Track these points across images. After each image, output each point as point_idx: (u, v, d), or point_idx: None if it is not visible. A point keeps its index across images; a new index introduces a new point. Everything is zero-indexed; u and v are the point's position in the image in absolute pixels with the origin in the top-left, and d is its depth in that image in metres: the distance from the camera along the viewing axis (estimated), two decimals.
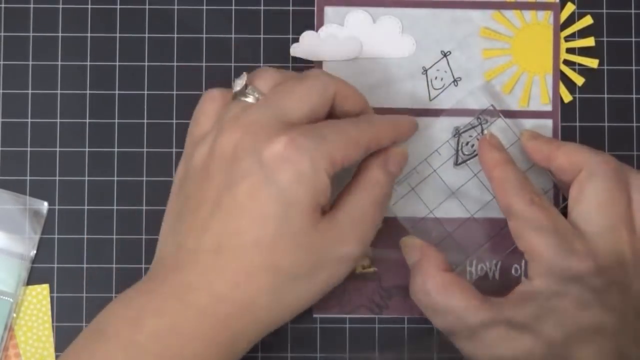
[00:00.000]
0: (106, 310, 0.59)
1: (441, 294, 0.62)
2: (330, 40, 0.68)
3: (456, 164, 0.67)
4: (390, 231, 0.66)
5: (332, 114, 0.62)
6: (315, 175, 0.58)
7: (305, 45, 0.68)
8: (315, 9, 0.68)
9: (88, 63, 0.68)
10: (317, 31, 0.68)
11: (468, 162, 0.67)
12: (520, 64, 0.68)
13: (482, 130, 0.67)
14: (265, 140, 0.58)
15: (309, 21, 0.68)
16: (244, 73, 0.62)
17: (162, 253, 0.61)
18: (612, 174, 0.62)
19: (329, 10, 0.68)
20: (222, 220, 0.58)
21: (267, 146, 0.58)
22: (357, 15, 0.68)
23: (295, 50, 0.68)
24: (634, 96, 0.69)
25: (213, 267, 0.57)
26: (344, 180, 0.62)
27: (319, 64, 0.68)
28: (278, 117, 0.59)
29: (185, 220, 0.59)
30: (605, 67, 0.69)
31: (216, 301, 0.57)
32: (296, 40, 0.68)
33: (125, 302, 0.59)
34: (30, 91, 0.68)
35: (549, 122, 0.68)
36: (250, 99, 0.61)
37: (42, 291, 0.67)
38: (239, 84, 0.61)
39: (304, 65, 0.68)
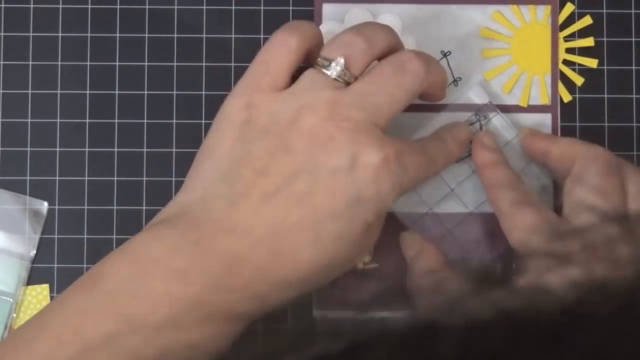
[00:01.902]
0: (144, 244, 0.58)
1: None
2: (330, 36, 0.68)
3: (455, 160, 0.67)
4: (391, 227, 0.67)
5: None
6: (387, 201, 0.59)
7: None
8: (314, 6, 0.68)
9: (88, 63, 0.68)
10: None
11: (468, 158, 0.67)
12: (520, 64, 0.68)
13: (481, 127, 0.67)
14: (364, 145, 0.58)
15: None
16: (341, 58, 0.60)
17: (209, 199, 0.59)
18: (604, 166, 0.61)
19: (327, 8, 0.68)
20: (289, 203, 0.58)
21: (364, 153, 0.58)
22: (358, 13, 0.68)
23: None
24: (634, 96, 0.69)
25: (265, 246, 0.57)
26: None
27: None
28: (372, 119, 0.59)
29: (245, 177, 0.58)
30: (605, 67, 0.69)
31: (259, 278, 0.57)
32: None
33: (169, 245, 0.57)
34: (30, 91, 0.68)
35: (548, 122, 0.68)
36: (341, 80, 0.60)
37: (42, 291, 0.67)
38: (335, 69, 0.60)
39: (303, 65, 0.68)
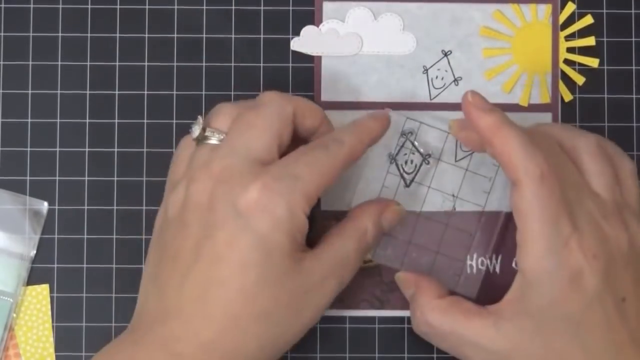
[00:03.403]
0: None
1: (443, 321, 0.62)
2: (331, 35, 0.68)
3: (407, 186, 0.67)
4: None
5: (295, 131, 0.62)
6: (293, 218, 0.58)
7: (306, 40, 0.68)
8: (315, 6, 0.68)
9: (88, 63, 0.68)
10: (317, 27, 0.68)
11: (466, 159, 0.67)
12: (521, 63, 0.68)
13: (413, 144, 0.67)
14: (239, 188, 0.58)
15: (309, 21, 0.69)
16: (199, 117, 0.61)
17: (144, 302, 0.60)
18: (547, 183, 0.59)
19: (327, 7, 0.68)
20: (203, 270, 0.58)
21: (241, 194, 0.58)
22: (358, 12, 0.68)
23: (296, 44, 0.68)
24: (634, 96, 0.69)
25: (198, 316, 0.57)
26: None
27: (318, 59, 0.68)
28: (246, 158, 0.59)
29: (164, 269, 0.59)
30: (605, 67, 0.69)
31: (203, 350, 0.57)
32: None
33: (110, 355, 0.59)
34: (30, 91, 0.68)
35: (549, 121, 0.68)
36: (213, 141, 0.60)
37: (42, 291, 0.67)
38: (196, 129, 0.61)
39: (303, 65, 0.68)
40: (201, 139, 0.61)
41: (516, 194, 0.59)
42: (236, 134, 0.60)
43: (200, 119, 0.61)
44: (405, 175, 0.67)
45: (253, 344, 0.58)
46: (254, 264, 0.57)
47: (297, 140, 0.63)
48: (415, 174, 0.67)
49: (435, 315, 0.62)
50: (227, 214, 0.58)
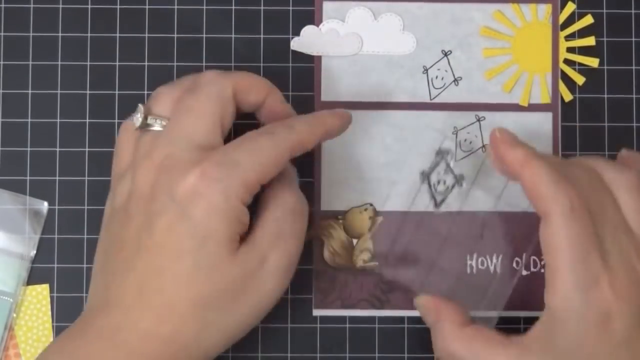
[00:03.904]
0: None
1: (465, 352, 0.59)
2: (331, 35, 0.68)
3: (437, 206, 0.65)
4: (391, 225, 0.67)
5: (239, 108, 0.62)
6: (228, 205, 0.57)
7: (306, 39, 0.68)
8: (315, 6, 0.68)
9: (88, 63, 0.68)
10: (317, 27, 0.68)
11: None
12: (521, 63, 0.68)
13: (448, 165, 0.65)
14: (179, 176, 0.58)
15: (309, 21, 0.69)
16: (139, 105, 0.61)
17: (92, 294, 0.61)
18: (577, 216, 0.57)
19: (328, 6, 0.68)
20: (145, 260, 0.58)
21: (180, 182, 0.57)
22: (358, 12, 0.68)
23: (296, 44, 0.68)
24: (634, 96, 0.69)
25: (137, 306, 0.57)
26: None
27: (318, 59, 0.68)
28: (188, 145, 0.58)
29: (110, 261, 0.59)
30: (606, 67, 0.69)
31: (143, 339, 0.57)
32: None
33: (58, 349, 0.59)
34: (30, 91, 0.68)
35: (549, 121, 0.68)
36: (156, 127, 0.60)
37: (42, 291, 0.67)
38: (137, 118, 0.60)
39: (303, 65, 0.68)
40: (144, 127, 0.60)
41: (545, 227, 0.57)
42: (176, 121, 0.59)
43: (141, 107, 0.61)
44: (436, 195, 0.65)
45: (192, 331, 0.57)
46: (189, 250, 0.57)
47: (245, 116, 0.62)
48: (447, 196, 0.66)
49: (457, 345, 0.60)
50: (167, 203, 0.58)
